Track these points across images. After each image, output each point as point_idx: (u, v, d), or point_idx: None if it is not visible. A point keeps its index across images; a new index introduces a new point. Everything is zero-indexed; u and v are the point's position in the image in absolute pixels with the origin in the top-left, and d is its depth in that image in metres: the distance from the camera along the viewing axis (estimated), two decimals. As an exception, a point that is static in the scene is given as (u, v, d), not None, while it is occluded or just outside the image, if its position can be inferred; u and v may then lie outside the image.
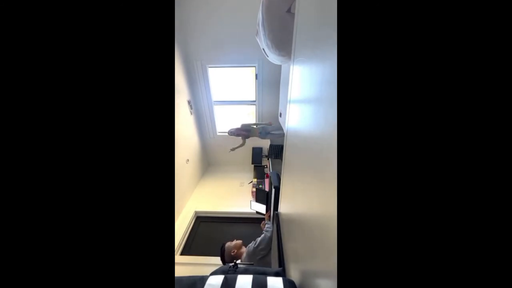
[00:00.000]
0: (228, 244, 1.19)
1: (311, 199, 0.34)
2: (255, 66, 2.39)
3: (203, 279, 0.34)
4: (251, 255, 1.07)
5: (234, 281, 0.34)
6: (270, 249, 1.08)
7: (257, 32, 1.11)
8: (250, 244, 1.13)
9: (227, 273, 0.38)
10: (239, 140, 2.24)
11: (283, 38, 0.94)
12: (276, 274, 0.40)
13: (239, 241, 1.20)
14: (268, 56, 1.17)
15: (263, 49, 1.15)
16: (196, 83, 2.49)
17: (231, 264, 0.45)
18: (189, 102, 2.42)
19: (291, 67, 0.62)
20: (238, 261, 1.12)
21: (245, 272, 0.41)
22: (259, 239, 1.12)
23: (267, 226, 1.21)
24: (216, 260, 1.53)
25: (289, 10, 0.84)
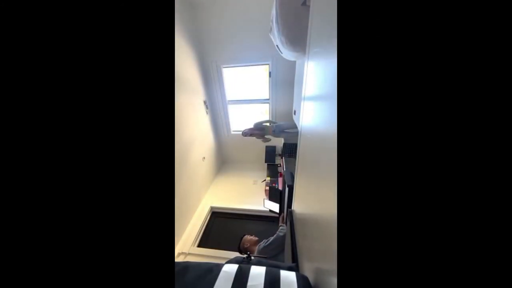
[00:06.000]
0: (246, 236, 1.26)
1: (324, 198, 0.34)
2: (268, 64, 2.38)
3: (218, 266, 0.36)
4: (261, 253, 1.09)
5: (247, 270, 0.36)
6: (282, 250, 1.08)
7: (271, 29, 1.10)
8: (261, 243, 1.15)
9: (241, 263, 0.39)
10: (253, 139, 2.25)
11: (297, 34, 0.92)
12: (289, 269, 0.41)
13: (256, 238, 1.25)
14: (282, 53, 1.16)
15: (276, 45, 1.14)
16: (211, 84, 2.57)
17: (245, 255, 0.47)
18: (205, 102, 2.51)
19: (306, 63, 0.61)
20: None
21: (258, 263, 0.42)
22: (271, 238, 1.13)
23: (281, 228, 1.22)
24: (229, 255, 1.58)
25: (304, 3, 0.82)
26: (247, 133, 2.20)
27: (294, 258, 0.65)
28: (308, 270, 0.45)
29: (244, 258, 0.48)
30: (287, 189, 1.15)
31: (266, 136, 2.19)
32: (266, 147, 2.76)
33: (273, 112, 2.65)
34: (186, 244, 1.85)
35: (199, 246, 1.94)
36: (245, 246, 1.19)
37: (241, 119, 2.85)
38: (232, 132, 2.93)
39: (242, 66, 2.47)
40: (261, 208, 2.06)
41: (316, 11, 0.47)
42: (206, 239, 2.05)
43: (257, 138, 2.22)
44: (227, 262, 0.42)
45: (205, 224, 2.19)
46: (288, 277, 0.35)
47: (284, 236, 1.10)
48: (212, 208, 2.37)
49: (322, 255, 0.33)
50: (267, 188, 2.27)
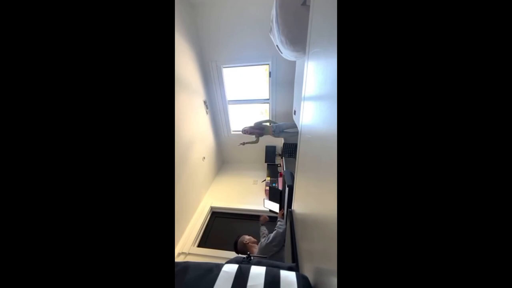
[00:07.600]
0: (244, 236, 1.25)
1: (324, 198, 0.34)
2: (268, 64, 2.38)
3: (218, 266, 0.36)
4: (263, 251, 1.09)
5: (247, 271, 0.36)
6: (283, 245, 1.08)
7: (271, 29, 1.10)
8: (262, 240, 1.15)
9: (241, 263, 0.39)
10: (252, 136, 2.27)
11: (297, 34, 0.93)
12: (289, 269, 0.41)
13: (255, 240, 1.24)
14: (282, 53, 1.16)
15: (276, 45, 1.14)
16: (212, 84, 2.57)
17: (245, 255, 0.47)
18: (205, 102, 2.51)
19: (306, 63, 0.61)
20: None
21: (258, 264, 0.42)
22: (271, 235, 1.13)
23: (280, 223, 1.22)
24: (229, 255, 1.59)
25: (304, 3, 0.83)
26: (247, 131, 2.21)
27: (294, 258, 0.65)
28: (308, 270, 0.46)
29: (244, 258, 0.48)
30: (287, 189, 1.15)
31: (254, 139, 2.23)
32: (266, 147, 2.76)
33: (273, 112, 2.65)
34: (186, 244, 1.86)
35: (199, 246, 1.95)
36: (244, 242, 1.19)
37: (241, 119, 2.85)
38: (232, 132, 2.93)
39: (242, 66, 2.47)
40: (261, 208, 2.06)
41: (316, 11, 0.47)
42: (206, 239, 2.05)
43: (256, 137, 2.23)
44: (227, 262, 0.42)
45: (205, 224, 2.19)
46: (288, 277, 0.35)
47: (283, 232, 1.10)
48: (212, 208, 2.37)
49: (322, 255, 0.33)
50: (267, 188, 2.27)
